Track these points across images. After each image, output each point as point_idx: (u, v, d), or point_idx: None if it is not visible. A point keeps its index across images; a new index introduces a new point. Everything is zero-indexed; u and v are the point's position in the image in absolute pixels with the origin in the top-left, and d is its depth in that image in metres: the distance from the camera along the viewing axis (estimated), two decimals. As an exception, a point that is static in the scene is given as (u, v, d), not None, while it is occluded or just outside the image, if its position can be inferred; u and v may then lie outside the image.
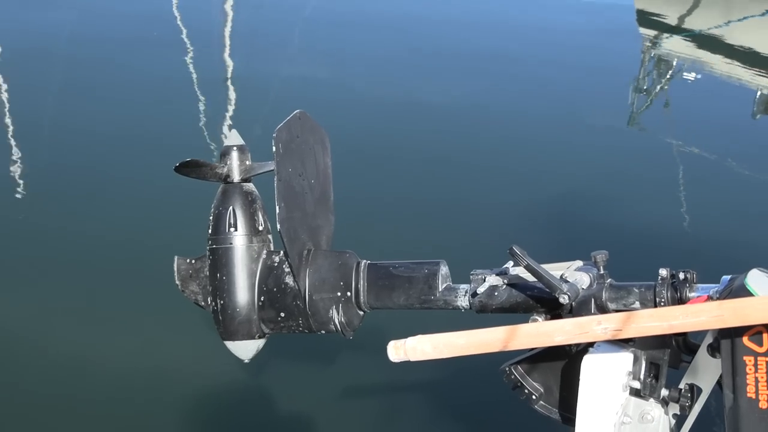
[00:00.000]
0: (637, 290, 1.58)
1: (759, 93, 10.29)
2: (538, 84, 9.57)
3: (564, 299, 1.55)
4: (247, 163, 1.92)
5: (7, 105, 8.25)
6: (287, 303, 1.82)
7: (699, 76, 10.88)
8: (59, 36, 10.04)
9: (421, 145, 7.69)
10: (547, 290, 1.58)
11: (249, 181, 1.92)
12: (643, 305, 1.57)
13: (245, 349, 1.90)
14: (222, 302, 1.86)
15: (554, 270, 1.61)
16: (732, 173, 7.69)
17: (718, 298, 1.48)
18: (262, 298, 1.84)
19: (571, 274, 1.61)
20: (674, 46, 12.06)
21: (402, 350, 1.57)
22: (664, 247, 5.98)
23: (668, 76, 10.84)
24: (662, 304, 1.55)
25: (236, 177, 1.90)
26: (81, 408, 4.51)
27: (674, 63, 11.30)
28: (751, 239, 6.01)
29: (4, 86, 8.70)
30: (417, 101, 8.70)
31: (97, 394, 4.57)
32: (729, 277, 1.52)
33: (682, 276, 1.55)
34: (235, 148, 1.91)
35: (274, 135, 1.75)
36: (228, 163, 1.90)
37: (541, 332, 1.50)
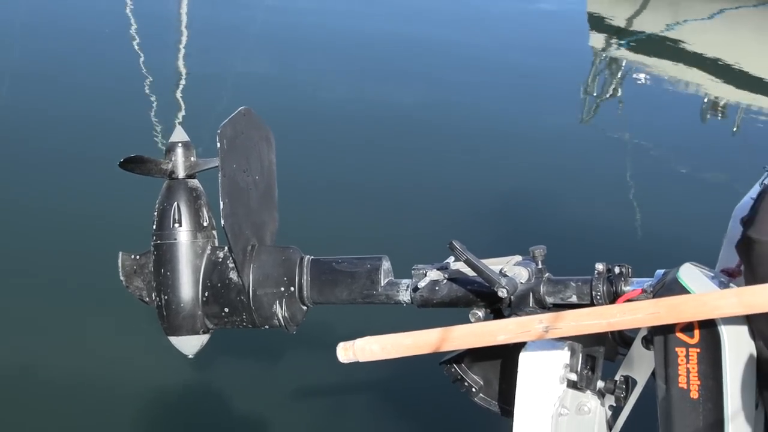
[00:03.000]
0: (574, 284, 1.61)
1: (706, 95, 10.45)
2: (488, 83, 9.63)
3: (502, 293, 1.57)
4: (192, 159, 1.92)
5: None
6: (231, 298, 1.83)
7: (648, 78, 11.01)
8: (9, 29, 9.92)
9: (365, 142, 7.71)
10: (487, 284, 1.60)
11: (194, 177, 1.93)
12: (580, 299, 1.60)
13: (189, 344, 1.91)
14: (166, 298, 1.86)
15: (494, 265, 1.63)
16: (673, 172, 7.81)
17: (651, 292, 1.52)
18: (206, 294, 1.85)
19: (510, 269, 1.63)
20: (624, 48, 12.20)
21: (351, 351, 1.59)
22: (603, 243, 6.07)
23: (619, 77, 10.96)
24: (598, 297, 1.58)
25: (181, 173, 1.91)
26: (23, 412, 4.45)
27: (624, 64, 11.43)
28: (687, 235, 6.11)
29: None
30: (364, 98, 8.72)
31: (41, 396, 4.52)
32: (663, 271, 1.55)
33: (617, 270, 1.58)
34: (180, 144, 1.92)
35: (219, 131, 1.75)
36: (173, 159, 1.91)
37: (484, 332, 1.53)
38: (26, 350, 4.81)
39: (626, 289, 1.57)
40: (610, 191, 7.21)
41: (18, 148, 7.06)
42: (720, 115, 10.01)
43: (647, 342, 1.57)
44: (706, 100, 10.30)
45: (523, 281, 1.62)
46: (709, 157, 8.41)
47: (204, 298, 1.85)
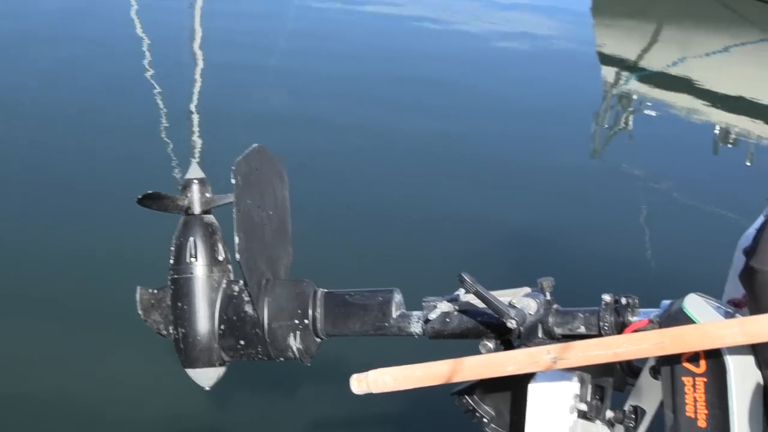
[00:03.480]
0: (582, 315, 1.65)
1: (718, 128, 10.48)
2: (498, 117, 9.67)
3: (512, 324, 1.60)
4: (208, 195, 1.97)
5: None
6: (247, 331, 1.86)
7: (660, 113, 11.05)
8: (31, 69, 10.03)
9: (376, 175, 7.75)
10: (496, 316, 1.63)
11: (209, 213, 1.97)
12: (588, 329, 1.63)
13: (206, 376, 1.94)
14: (183, 331, 1.90)
15: (503, 296, 1.67)
16: (682, 203, 7.83)
17: (657, 322, 1.55)
18: (222, 327, 1.88)
19: (519, 300, 1.67)
20: (635, 82, 12.26)
21: (364, 383, 1.63)
22: (610, 274, 6.08)
23: (630, 112, 11.00)
24: (606, 328, 1.61)
25: (197, 209, 1.95)
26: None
27: (635, 99, 11.48)
28: (694, 266, 6.12)
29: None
30: (373, 130, 8.76)
31: (61, 428, 4.55)
32: (668, 302, 1.58)
33: (624, 301, 1.62)
34: (195, 181, 1.97)
35: (233, 168, 1.80)
36: (189, 195, 1.96)
37: (494, 362, 1.57)
38: (45, 383, 4.83)
39: (633, 319, 1.60)
40: (617, 222, 7.23)
41: (37, 185, 7.12)
42: (731, 145, 10.04)
43: (655, 372, 1.60)
44: (717, 132, 10.33)
45: (531, 312, 1.66)
46: (719, 189, 8.43)
47: (220, 331, 1.89)
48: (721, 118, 10.82)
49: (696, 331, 1.45)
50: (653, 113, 11.06)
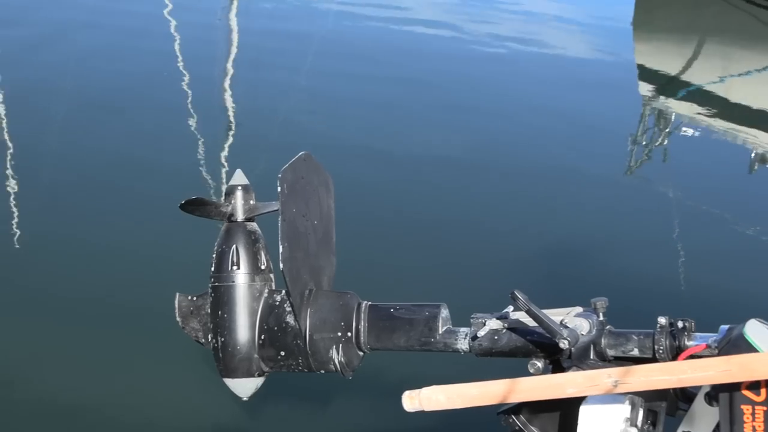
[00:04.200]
0: (636, 337, 1.60)
1: (755, 149, 10.38)
2: (536, 135, 9.62)
3: (564, 344, 1.56)
4: (251, 202, 1.93)
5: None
6: (288, 342, 1.83)
7: (698, 131, 10.96)
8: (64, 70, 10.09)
9: (421, 187, 7.71)
10: (548, 335, 1.59)
11: (252, 221, 1.94)
12: (642, 352, 1.59)
13: (244, 387, 1.91)
14: (222, 340, 1.87)
15: (554, 315, 1.62)
16: (728, 224, 7.73)
17: (716, 348, 1.50)
18: (262, 337, 1.85)
19: (571, 320, 1.62)
20: (674, 101, 12.16)
21: (417, 400, 1.58)
22: (662, 296, 6.00)
23: (667, 130, 10.91)
24: (660, 352, 1.56)
25: (240, 216, 1.92)
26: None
27: (673, 117, 11.39)
28: (746, 289, 6.04)
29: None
30: (415, 149, 8.72)
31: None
32: (727, 327, 1.53)
33: (680, 324, 1.57)
34: (239, 187, 1.93)
35: (280, 175, 1.77)
36: (232, 202, 1.92)
37: (553, 384, 1.52)
38: (86, 391, 4.81)
39: (689, 343, 1.55)
40: (664, 243, 7.13)
41: (80, 191, 7.15)
42: None
43: (710, 398, 1.55)
44: (753, 155, 10.22)
45: (584, 333, 1.61)
46: (761, 210, 8.33)
47: (260, 341, 1.85)
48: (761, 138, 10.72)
49: (764, 359, 1.40)
50: (691, 132, 10.97)
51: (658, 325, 1.58)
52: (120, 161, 7.71)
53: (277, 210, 1.79)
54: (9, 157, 7.69)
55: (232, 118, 9.32)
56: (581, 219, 7.40)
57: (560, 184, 8.14)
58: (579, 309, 1.66)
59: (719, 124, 11.16)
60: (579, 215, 7.48)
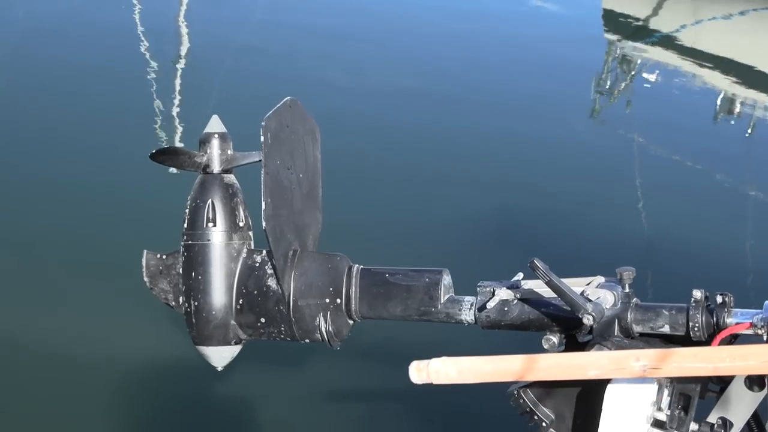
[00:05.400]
0: (666, 312, 1.44)
1: (722, 95, 10.31)
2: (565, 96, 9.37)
3: (588, 320, 1.40)
4: (229, 152, 1.76)
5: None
6: (269, 308, 1.68)
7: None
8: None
9: (419, 137, 7.47)
10: (566, 308, 1.44)
11: (230, 173, 1.77)
12: (673, 329, 1.44)
13: (219, 355, 1.75)
14: (196, 304, 1.71)
15: (573, 286, 1.46)
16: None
17: (763, 327, 1.34)
18: (240, 301, 1.70)
19: (594, 292, 1.47)
20: (638, 47, 12.04)
21: (425, 372, 1.43)
22: (696, 268, 5.66)
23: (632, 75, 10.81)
24: (695, 329, 1.41)
25: (216, 167, 1.75)
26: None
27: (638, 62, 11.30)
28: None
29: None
30: (410, 93, 8.48)
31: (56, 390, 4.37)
32: None
33: (719, 299, 1.41)
34: (216, 135, 1.76)
35: (263, 123, 1.60)
36: (208, 151, 1.75)
37: (574, 364, 1.37)
38: (44, 352, 4.62)
39: (729, 321, 1.40)
40: (700, 211, 6.87)
41: (49, 144, 6.87)
42: None
43: (752, 382, 1.40)
44: (720, 100, 10.14)
45: (608, 306, 1.45)
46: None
47: (238, 306, 1.69)
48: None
49: None
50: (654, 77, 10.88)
51: (693, 299, 1.43)
52: (86, 113, 7.41)
53: (257, 161, 1.64)
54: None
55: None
56: (599, 183, 7.05)
57: (571, 149, 7.85)
58: (601, 279, 1.51)
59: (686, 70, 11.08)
60: (593, 180, 7.12)
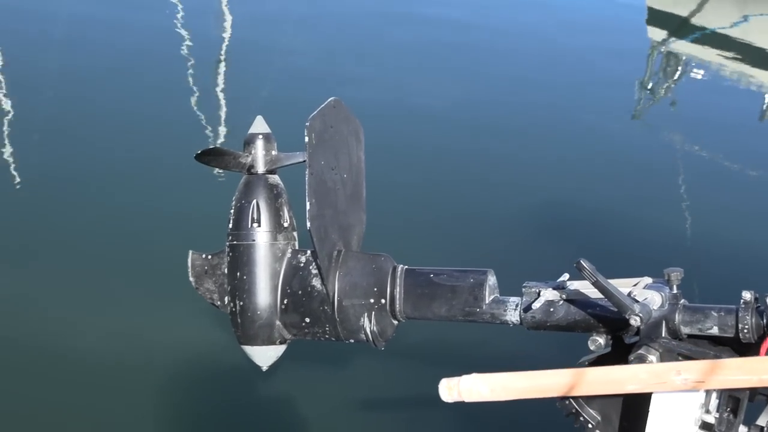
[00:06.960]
0: (715, 314, 1.43)
1: None
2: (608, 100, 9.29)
3: (635, 321, 1.39)
4: (273, 153, 1.77)
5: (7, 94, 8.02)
6: (313, 308, 1.68)
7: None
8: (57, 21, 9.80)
9: (466, 144, 7.43)
10: (612, 309, 1.42)
11: (274, 173, 1.78)
12: (722, 331, 1.42)
13: (264, 355, 1.76)
14: (241, 303, 1.72)
15: (620, 287, 1.45)
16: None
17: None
18: (285, 301, 1.70)
19: (641, 293, 1.45)
20: (683, 44, 11.90)
21: (456, 390, 1.42)
22: (742, 270, 5.58)
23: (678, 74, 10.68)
24: (745, 331, 1.39)
25: (261, 168, 1.76)
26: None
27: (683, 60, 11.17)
28: None
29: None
30: (459, 99, 8.43)
31: (95, 395, 4.39)
32: None
33: None
34: (260, 136, 1.77)
35: (307, 124, 1.60)
36: (252, 152, 1.76)
37: (611, 379, 1.36)
38: (93, 349, 4.65)
39: None
40: (749, 211, 6.75)
41: (93, 147, 6.92)
42: None
43: None
44: None
45: (655, 307, 1.44)
46: None
47: (283, 306, 1.70)
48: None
49: None
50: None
51: (742, 301, 1.41)
52: (131, 115, 7.46)
53: (302, 162, 1.63)
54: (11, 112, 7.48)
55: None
56: (643, 186, 6.93)
57: (613, 148, 7.75)
58: (648, 280, 1.49)
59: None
60: (634, 184, 7.02)
